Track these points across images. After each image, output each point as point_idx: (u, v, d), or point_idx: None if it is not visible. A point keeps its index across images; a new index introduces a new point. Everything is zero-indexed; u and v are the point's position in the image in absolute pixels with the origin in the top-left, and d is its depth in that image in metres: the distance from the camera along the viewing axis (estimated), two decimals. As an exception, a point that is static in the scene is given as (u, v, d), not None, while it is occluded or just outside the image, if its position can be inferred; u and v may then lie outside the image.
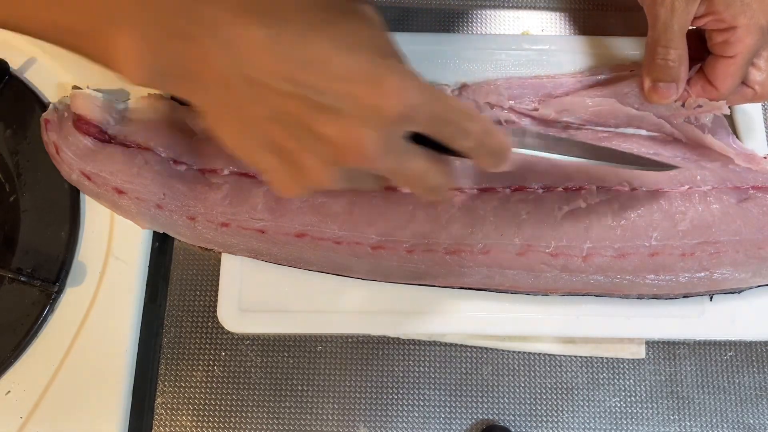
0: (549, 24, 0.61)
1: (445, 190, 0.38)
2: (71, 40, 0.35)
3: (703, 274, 0.49)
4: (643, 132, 0.53)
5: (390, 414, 0.52)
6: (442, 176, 0.38)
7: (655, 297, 0.50)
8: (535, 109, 0.53)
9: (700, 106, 0.50)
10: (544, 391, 0.52)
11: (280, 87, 0.33)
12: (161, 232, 0.53)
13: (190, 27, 0.33)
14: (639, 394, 0.52)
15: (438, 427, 0.52)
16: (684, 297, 0.50)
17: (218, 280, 0.53)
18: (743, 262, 0.49)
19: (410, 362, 0.53)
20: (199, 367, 0.53)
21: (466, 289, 0.51)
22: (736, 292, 0.50)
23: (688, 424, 0.52)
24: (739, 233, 0.49)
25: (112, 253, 0.53)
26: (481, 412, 0.52)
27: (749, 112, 0.56)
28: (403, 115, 0.34)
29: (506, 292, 0.50)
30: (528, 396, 0.52)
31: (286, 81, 0.33)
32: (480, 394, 0.52)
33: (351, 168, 0.36)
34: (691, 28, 0.49)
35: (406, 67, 0.36)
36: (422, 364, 0.53)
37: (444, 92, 0.36)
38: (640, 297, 0.50)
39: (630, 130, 0.53)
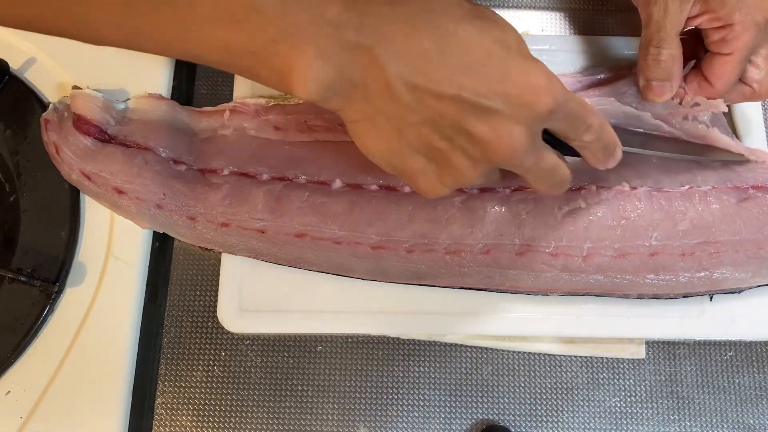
0: (549, 24, 0.62)
1: (567, 184, 0.42)
2: (243, 61, 0.36)
3: (702, 273, 0.49)
4: (641, 131, 0.53)
5: (390, 414, 0.52)
6: (567, 171, 0.41)
7: (656, 297, 0.50)
8: None
9: (697, 104, 0.50)
10: (544, 391, 0.52)
11: (443, 92, 0.35)
12: (161, 232, 0.53)
13: (362, 39, 0.35)
14: (639, 394, 0.52)
15: (438, 427, 0.52)
16: (684, 297, 0.50)
17: (218, 280, 0.53)
18: (743, 262, 0.49)
19: (410, 362, 0.53)
20: (199, 367, 0.53)
21: (466, 289, 0.51)
22: (735, 292, 0.50)
23: (688, 424, 0.52)
24: (739, 233, 0.49)
25: (112, 253, 0.53)
26: (481, 412, 0.52)
27: (748, 114, 0.56)
28: (551, 112, 0.36)
29: (506, 292, 0.50)
30: (528, 396, 0.52)
31: (449, 86, 0.35)
32: (480, 394, 0.52)
33: (495, 167, 0.39)
34: (689, 28, 0.49)
35: (544, 65, 0.38)
36: (422, 364, 0.53)
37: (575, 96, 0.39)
38: (640, 297, 0.50)
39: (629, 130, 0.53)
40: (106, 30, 0.36)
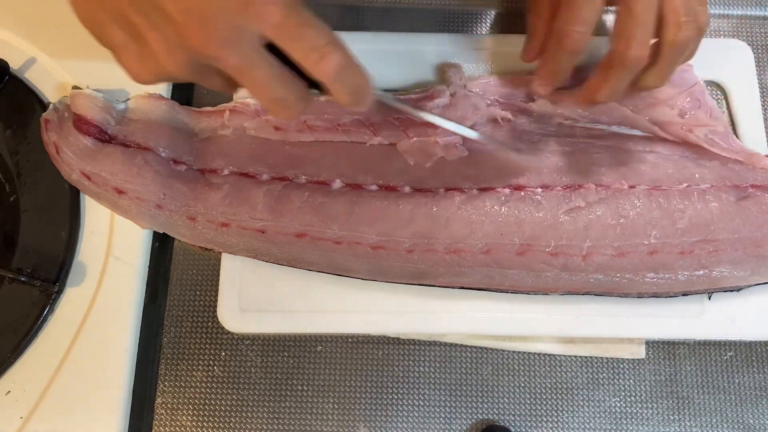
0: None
1: (293, 109, 0.37)
2: None
3: (702, 272, 0.49)
4: (638, 132, 0.53)
5: (390, 414, 0.52)
6: (289, 91, 0.36)
7: (655, 295, 0.50)
8: (531, 101, 0.53)
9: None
10: (544, 391, 0.52)
11: None
12: (161, 232, 0.53)
13: None
14: (639, 394, 0.52)
15: (438, 427, 0.52)
16: (684, 295, 0.50)
17: (218, 280, 0.53)
18: (742, 260, 0.49)
19: (410, 362, 0.53)
20: (199, 367, 0.53)
21: (466, 289, 0.51)
22: (735, 290, 0.50)
23: (688, 424, 0.52)
24: (737, 231, 0.49)
25: (112, 253, 0.53)
26: (481, 412, 0.52)
27: (749, 115, 0.56)
28: (250, 5, 0.33)
29: (506, 291, 0.51)
30: (528, 396, 0.52)
31: None
32: (480, 394, 0.52)
33: (198, 58, 0.35)
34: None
35: None
36: (422, 364, 0.53)
37: (312, 17, 0.35)
38: (640, 296, 0.50)
39: (624, 129, 0.53)
40: None
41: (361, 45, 0.41)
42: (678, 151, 0.52)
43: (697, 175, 0.51)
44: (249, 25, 0.34)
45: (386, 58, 0.56)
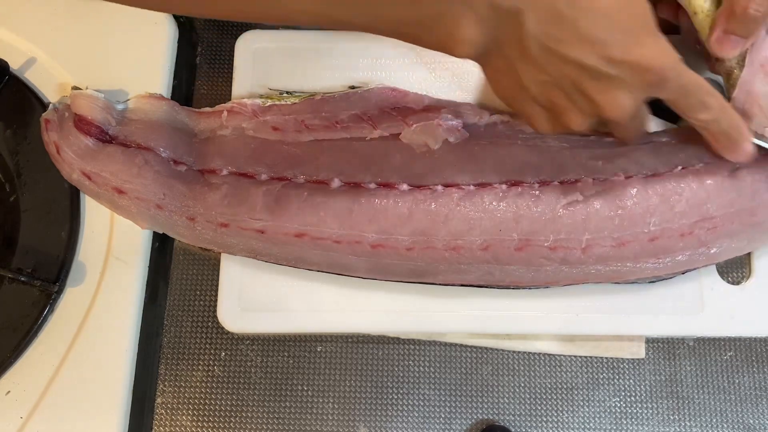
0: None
1: (636, 140, 0.48)
2: (410, 30, 0.41)
3: (701, 249, 0.49)
4: None
5: (390, 414, 0.52)
6: (644, 131, 0.47)
7: (656, 278, 0.50)
8: None
9: None
10: (544, 391, 0.52)
11: (573, 57, 0.39)
12: (161, 232, 0.53)
13: (513, 3, 0.38)
14: (639, 394, 0.52)
15: (438, 427, 0.52)
16: (683, 273, 0.51)
17: (218, 280, 0.53)
18: (739, 232, 0.49)
19: (410, 362, 0.53)
20: (199, 367, 0.53)
21: (466, 286, 0.51)
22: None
23: (688, 424, 0.52)
24: (733, 204, 0.49)
25: (112, 253, 0.53)
26: (481, 412, 0.52)
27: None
28: (661, 82, 0.40)
29: (507, 287, 0.51)
30: (528, 396, 0.52)
31: (579, 54, 0.39)
32: (480, 394, 0.52)
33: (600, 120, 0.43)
34: None
35: (663, 39, 0.41)
36: (422, 364, 0.53)
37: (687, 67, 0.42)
38: (639, 281, 0.51)
39: None
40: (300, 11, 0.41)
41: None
42: (674, 136, 0.53)
43: (692, 156, 0.51)
44: (651, 94, 0.42)
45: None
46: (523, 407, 0.52)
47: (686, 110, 0.43)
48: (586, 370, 0.53)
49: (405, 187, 0.50)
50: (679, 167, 0.50)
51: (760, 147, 0.46)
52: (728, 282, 0.53)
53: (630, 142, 0.47)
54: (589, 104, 0.41)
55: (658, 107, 0.43)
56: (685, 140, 0.52)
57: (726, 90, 0.47)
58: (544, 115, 0.44)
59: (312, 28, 0.59)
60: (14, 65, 0.56)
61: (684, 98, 0.42)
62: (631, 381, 0.52)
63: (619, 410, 0.52)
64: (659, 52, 0.40)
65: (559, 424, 0.52)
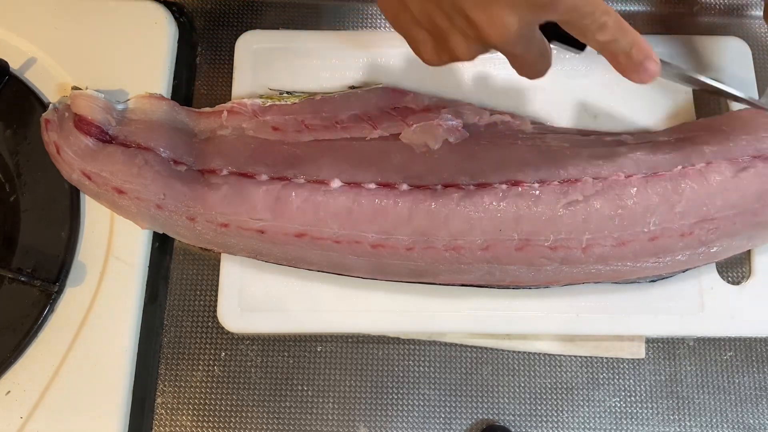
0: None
1: (545, 73, 0.43)
2: None
3: (702, 249, 0.49)
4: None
5: (390, 414, 0.52)
6: (548, 64, 0.42)
7: (656, 276, 0.51)
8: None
9: None
10: (544, 391, 0.52)
11: None
12: (161, 232, 0.53)
13: None
14: (639, 394, 0.52)
15: (438, 427, 0.52)
16: (683, 272, 0.51)
17: (218, 280, 0.53)
18: (739, 232, 0.49)
19: (410, 362, 0.53)
20: (199, 367, 0.53)
21: (466, 286, 0.51)
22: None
23: (688, 424, 0.52)
24: (736, 206, 0.49)
25: (112, 253, 0.53)
26: (481, 412, 0.52)
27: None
28: (549, 4, 0.37)
29: (507, 287, 0.51)
30: (528, 396, 0.52)
31: None
32: (480, 394, 0.52)
33: (488, 50, 0.40)
34: None
35: None
36: (422, 364, 0.53)
37: None
38: (639, 280, 0.51)
39: None
40: None
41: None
42: (674, 134, 0.52)
43: (692, 156, 0.51)
44: (541, 18, 0.39)
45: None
46: (523, 407, 0.52)
47: (582, 32, 0.39)
48: (586, 370, 0.53)
49: (405, 187, 0.50)
50: (680, 167, 0.50)
51: (664, 63, 0.44)
52: (728, 282, 0.53)
53: (533, 77, 0.42)
54: (468, 25, 0.39)
55: (560, 34, 0.40)
56: (685, 140, 0.52)
57: None
58: (430, 41, 0.42)
59: (312, 28, 0.59)
60: (14, 65, 0.56)
61: (578, 19, 0.39)
62: (631, 381, 0.52)
63: (619, 410, 0.52)
64: None
65: (559, 424, 0.52)
